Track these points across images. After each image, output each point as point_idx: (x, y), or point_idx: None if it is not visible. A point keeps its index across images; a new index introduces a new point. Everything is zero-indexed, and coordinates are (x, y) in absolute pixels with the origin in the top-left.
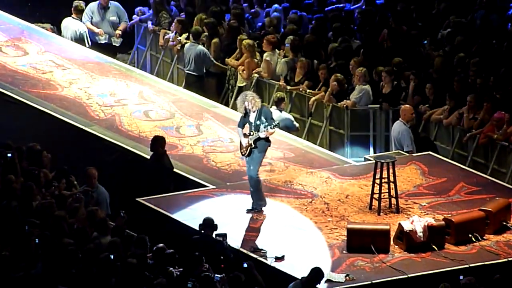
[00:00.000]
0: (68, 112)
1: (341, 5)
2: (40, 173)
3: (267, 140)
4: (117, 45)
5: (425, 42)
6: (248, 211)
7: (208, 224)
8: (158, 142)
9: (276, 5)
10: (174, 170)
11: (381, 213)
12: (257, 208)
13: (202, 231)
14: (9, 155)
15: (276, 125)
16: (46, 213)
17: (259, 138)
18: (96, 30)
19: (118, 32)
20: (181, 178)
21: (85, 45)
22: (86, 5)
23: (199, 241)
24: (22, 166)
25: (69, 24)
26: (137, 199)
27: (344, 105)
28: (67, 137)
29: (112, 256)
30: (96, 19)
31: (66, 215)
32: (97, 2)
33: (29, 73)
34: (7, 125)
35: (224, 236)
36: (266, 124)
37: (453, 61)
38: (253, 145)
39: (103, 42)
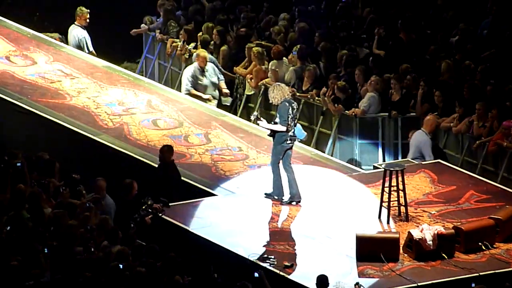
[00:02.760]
0: (76, 121)
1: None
2: (49, 182)
3: (281, 134)
4: (229, 104)
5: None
6: (266, 195)
7: (124, 187)
8: (166, 151)
9: (284, 14)
10: (182, 178)
11: (390, 222)
12: (271, 196)
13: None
14: (18, 164)
15: (256, 119)
16: (58, 222)
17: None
18: (204, 96)
19: (226, 91)
20: (189, 187)
21: (84, 51)
22: (87, 10)
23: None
24: (31, 175)
25: (71, 31)
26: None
27: (353, 113)
28: (75, 146)
29: (121, 265)
30: (202, 83)
31: (78, 224)
32: (194, 65)
33: (37, 82)
34: (16, 134)
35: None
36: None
37: (462, 68)
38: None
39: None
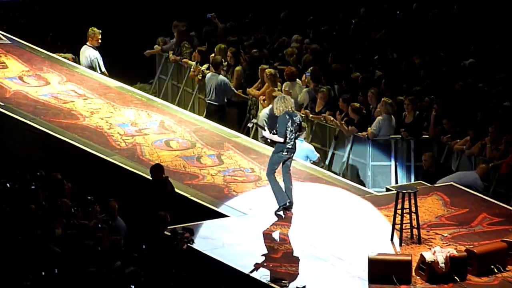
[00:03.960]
0: (89, 141)
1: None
2: (62, 203)
3: (279, 145)
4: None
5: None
6: (276, 213)
7: (159, 219)
8: (157, 170)
9: (297, 35)
10: (193, 198)
11: (402, 244)
12: (279, 209)
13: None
14: (32, 186)
15: (254, 125)
16: (72, 243)
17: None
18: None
19: (303, 133)
20: (201, 208)
21: (96, 72)
22: (99, 31)
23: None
24: (43, 195)
25: (83, 52)
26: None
27: (366, 135)
28: (88, 167)
29: (133, 286)
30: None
31: (92, 245)
32: (269, 107)
33: (50, 102)
34: (29, 154)
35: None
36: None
37: (475, 91)
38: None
39: None
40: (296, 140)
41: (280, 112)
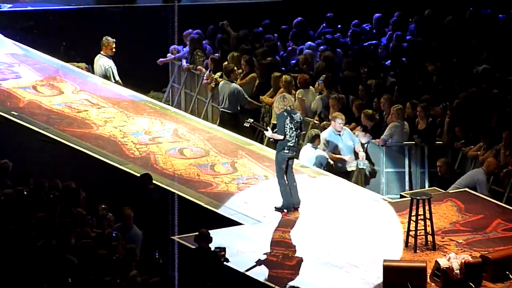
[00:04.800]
0: (103, 150)
1: (374, 41)
2: (76, 212)
3: (280, 143)
4: (365, 167)
5: None
6: (276, 209)
7: (204, 236)
8: (149, 180)
9: (309, 42)
10: (209, 208)
11: (417, 250)
12: (281, 209)
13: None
14: (51, 195)
15: (252, 124)
16: (87, 252)
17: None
18: (346, 158)
19: (363, 154)
20: (216, 216)
21: (110, 81)
22: (113, 40)
23: (194, 253)
24: (60, 205)
25: (97, 61)
26: (172, 237)
27: (379, 142)
28: (102, 176)
29: None
30: (336, 145)
31: (107, 254)
32: (329, 129)
33: (64, 112)
34: (43, 164)
35: (223, 249)
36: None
37: (489, 97)
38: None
39: (353, 169)
40: (310, 148)
41: (279, 111)
